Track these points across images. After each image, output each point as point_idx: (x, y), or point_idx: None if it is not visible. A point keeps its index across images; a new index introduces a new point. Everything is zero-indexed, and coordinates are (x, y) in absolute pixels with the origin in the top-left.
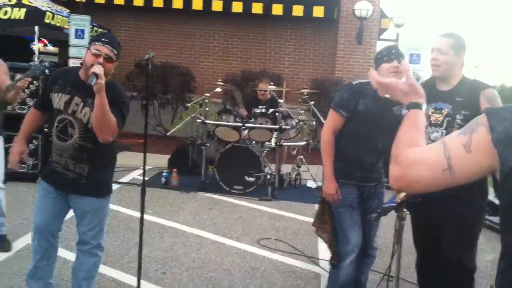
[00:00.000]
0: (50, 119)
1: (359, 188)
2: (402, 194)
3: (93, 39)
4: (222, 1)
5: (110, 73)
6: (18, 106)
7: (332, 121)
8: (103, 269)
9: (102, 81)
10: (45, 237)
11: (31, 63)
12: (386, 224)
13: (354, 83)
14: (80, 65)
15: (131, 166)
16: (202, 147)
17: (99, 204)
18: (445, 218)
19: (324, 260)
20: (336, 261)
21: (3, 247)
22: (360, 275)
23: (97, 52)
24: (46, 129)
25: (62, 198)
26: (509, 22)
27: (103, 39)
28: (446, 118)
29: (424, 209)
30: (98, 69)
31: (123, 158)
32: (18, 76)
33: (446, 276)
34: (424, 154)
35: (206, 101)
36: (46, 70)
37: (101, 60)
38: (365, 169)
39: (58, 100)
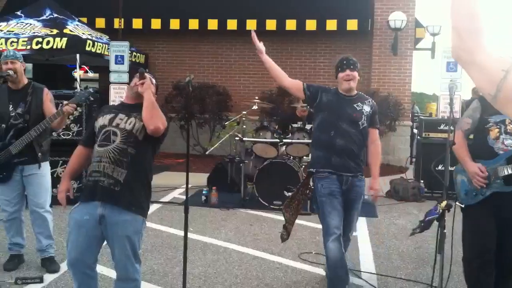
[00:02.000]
0: (96, 140)
1: (339, 178)
2: (444, 204)
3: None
4: (256, 20)
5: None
6: (63, 132)
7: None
8: (147, 286)
9: (149, 81)
10: (80, 270)
11: (76, 90)
12: (426, 234)
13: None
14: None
15: (172, 185)
16: (240, 164)
17: (131, 219)
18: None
19: (366, 272)
20: (283, 239)
21: (52, 268)
22: None
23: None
24: None
25: (95, 226)
26: None
27: (142, 70)
28: None
29: (492, 204)
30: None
31: (163, 178)
32: (65, 103)
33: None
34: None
35: (244, 119)
36: (90, 97)
37: (135, 81)
38: (339, 152)
39: (103, 119)
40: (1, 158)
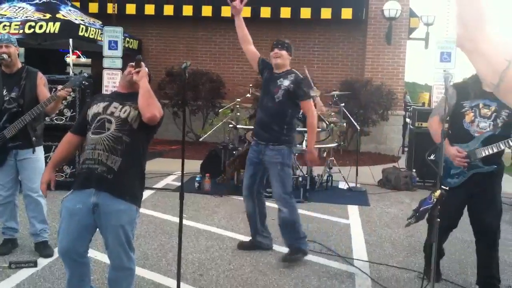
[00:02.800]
0: (88, 128)
1: (258, 146)
2: (437, 193)
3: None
4: (250, 8)
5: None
6: (56, 117)
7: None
8: (142, 272)
9: (145, 69)
10: (71, 258)
11: (69, 75)
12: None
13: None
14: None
15: (165, 172)
16: (234, 152)
17: (125, 208)
18: (478, 192)
19: (358, 260)
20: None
21: (46, 252)
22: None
23: (132, 63)
24: None
25: (88, 215)
26: None
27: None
28: (493, 113)
29: (465, 185)
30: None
31: (156, 164)
32: (59, 87)
33: (486, 238)
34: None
35: (237, 106)
36: (84, 81)
37: (130, 69)
38: (259, 124)
39: (96, 107)
40: (10, 144)
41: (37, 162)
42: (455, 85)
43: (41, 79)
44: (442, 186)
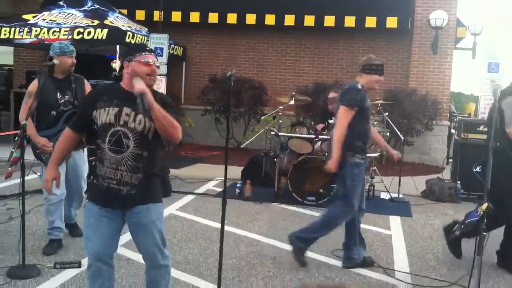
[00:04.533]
0: (97, 135)
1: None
2: (484, 206)
3: (138, 49)
4: (294, 15)
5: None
6: None
7: None
8: (182, 276)
9: (150, 95)
10: (105, 262)
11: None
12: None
13: None
14: (114, 81)
15: (206, 177)
16: (275, 159)
17: (154, 210)
18: None
19: (400, 271)
20: None
21: (79, 232)
22: None
23: (149, 61)
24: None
25: (115, 216)
26: None
27: (147, 49)
28: None
29: None
30: (140, 85)
31: (198, 170)
32: None
33: None
34: None
35: (280, 113)
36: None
37: (154, 68)
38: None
39: (107, 114)
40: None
41: (84, 159)
42: None
43: (88, 85)
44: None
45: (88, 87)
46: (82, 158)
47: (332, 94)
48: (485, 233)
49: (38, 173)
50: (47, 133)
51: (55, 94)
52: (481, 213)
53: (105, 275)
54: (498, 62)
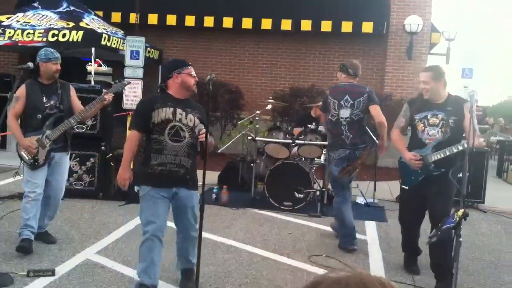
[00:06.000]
0: (156, 129)
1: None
2: (461, 212)
3: (182, 64)
4: (271, 20)
5: None
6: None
7: None
8: (159, 284)
9: (203, 129)
10: (158, 237)
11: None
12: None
13: None
14: (161, 91)
15: None
16: (252, 164)
17: (193, 193)
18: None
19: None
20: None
21: (51, 239)
22: None
23: (193, 74)
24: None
25: (168, 202)
26: None
27: (189, 63)
28: (441, 121)
29: (422, 184)
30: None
31: None
32: (104, 91)
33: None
34: None
35: (257, 118)
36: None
37: (196, 79)
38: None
39: (165, 112)
40: (52, 146)
41: (67, 166)
42: (408, 101)
43: (73, 91)
44: (402, 186)
45: (73, 92)
46: (66, 160)
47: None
48: (461, 239)
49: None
50: (33, 135)
51: (41, 98)
52: (457, 219)
53: (158, 248)
54: (472, 67)
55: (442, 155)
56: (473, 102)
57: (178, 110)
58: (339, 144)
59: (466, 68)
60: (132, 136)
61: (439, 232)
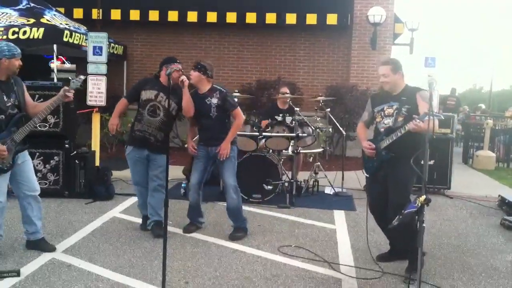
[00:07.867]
0: (141, 105)
1: (206, 147)
2: (423, 198)
3: (170, 61)
4: (235, 13)
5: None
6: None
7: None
8: (126, 280)
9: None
10: (143, 186)
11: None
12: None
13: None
14: (153, 77)
15: None
16: None
17: (161, 156)
18: (387, 176)
19: (345, 265)
20: None
21: (50, 247)
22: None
23: (177, 68)
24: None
25: (144, 160)
26: None
27: (177, 60)
28: (395, 111)
29: (380, 173)
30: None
31: None
32: (65, 88)
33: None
34: None
35: None
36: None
37: (179, 73)
38: (210, 137)
39: (150, 93)
40: (17, 148)
41: (31, 162)
42: (371, 96)
43: (24, 86)
44: (365, 175)
45: (25, 87)
46: (28, 156)
47: (284, 90)
48: (424, 225)
49: None
50: None
51: (2, 97)
52: (419, 204)
53: (143, 196)
54: (435, 57)
55: (390, 141)
56: (432, 90)
57: (161, 94)
58: None
59: (429, 57)
60: (121, 101)
61: (400, 217)
